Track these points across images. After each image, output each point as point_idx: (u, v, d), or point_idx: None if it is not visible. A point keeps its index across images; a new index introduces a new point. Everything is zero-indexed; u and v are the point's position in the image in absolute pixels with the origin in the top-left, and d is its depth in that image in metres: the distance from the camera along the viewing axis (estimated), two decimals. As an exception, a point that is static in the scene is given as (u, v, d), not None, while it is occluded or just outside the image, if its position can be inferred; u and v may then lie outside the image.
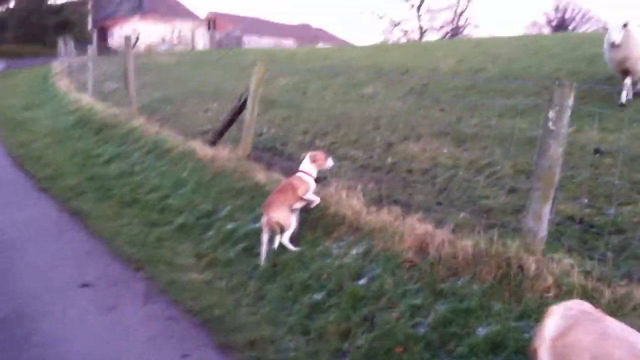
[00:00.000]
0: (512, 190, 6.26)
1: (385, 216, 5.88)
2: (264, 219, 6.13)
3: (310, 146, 9.50)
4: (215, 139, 9.71)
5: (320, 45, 56.97)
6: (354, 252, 5.64)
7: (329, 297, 5.12)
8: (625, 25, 9.58)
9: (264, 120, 10.87)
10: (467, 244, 4.88)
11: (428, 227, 5.43)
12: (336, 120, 10.30)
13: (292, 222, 6.09)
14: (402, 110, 10.62)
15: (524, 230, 4.74)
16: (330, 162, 6.40)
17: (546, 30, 59.99)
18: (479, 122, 8.74)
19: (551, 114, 4.60)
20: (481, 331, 4.14)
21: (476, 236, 5.03)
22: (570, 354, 2.85)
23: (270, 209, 6.10)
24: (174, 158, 9.83)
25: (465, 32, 66.34)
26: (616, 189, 5.66)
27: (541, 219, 4.65)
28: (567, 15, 62.46)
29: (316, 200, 6.29)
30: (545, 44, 19.33)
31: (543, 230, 4.68)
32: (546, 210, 4.65)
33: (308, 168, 6.31)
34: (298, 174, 6.34)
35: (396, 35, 67.52)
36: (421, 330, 4.35)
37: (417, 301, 4.65)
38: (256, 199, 7.45)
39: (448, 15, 69.95)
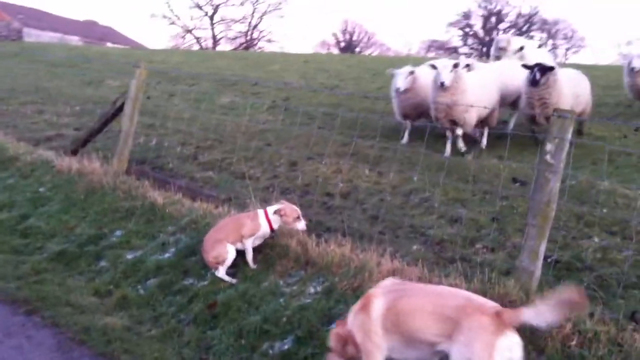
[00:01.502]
0: (454, 220, 6.00)
1: (335, 248, 5.28)
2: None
3: (194, 160, 8.55)
4: (78, 147, 8.33)
5: (109, 45, 54.04)
6: (311, 290, 4.97)
7: (300, 346, 4.40)
8: (455, 66, 8.57)
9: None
10: (455, 284, 4.47)
11: (395, 262, 4.94)
12: (213, 133, 9.41)
13: (228, 254, 5.26)
14: (277, 126, 10.05)
15: (518, 269, 4.46)
16: (301, 225, 5.33)
17: (335, 50, 63.18)
18: (374, 142, 8.45)
19: (549, 146, 4.38)
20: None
21: (456, 274, 4.69)
22: (407, 315, 3.28)
23: (204, 251, 5.39)
24: (22, 170, 8.29)
25: (259, 45, 67.60)
26: (562, 222, 5.65)
27: (538, 257, 4.41)
28: (354, 38, 66.37)
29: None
30: (375, 65, 19.91)
31: (539, 268, 4.43)
32: (542, 247, 4.42)
33: (271, 215, 5.36)
34: (257, 210, 5.45)
35: (188, 42, 66.92)
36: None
37: (414, 350, 4.13)
38: (155, 222, 6.44)
39: (242, 27, 70.72)
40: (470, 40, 62.61)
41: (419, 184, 6.82)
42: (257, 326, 4.67)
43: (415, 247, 5.52)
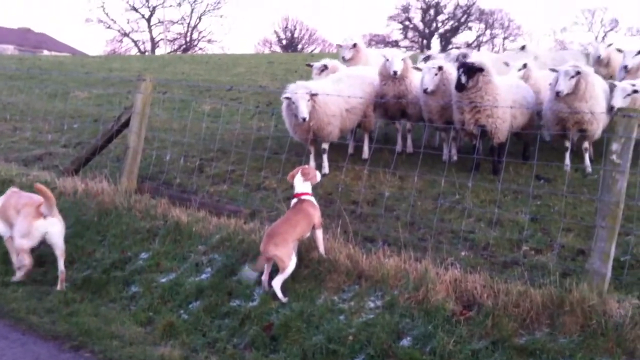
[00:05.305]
0: (494, 222, 5.96)
1: (384, 259, 5.18)
2: (262, 255, 5.12)
3: (201, 173, 8.30)
4: (79, 167, 7.98)
5: (46, 52, 52.52)
6: (370, 305, 4.85)
7: (376, 366, 4.28)
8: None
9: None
10: (528, 290, 4.43)
11: (454, 271, 4.87)
12: (211, 143, 9.16)
13: (291, 264, 5.08)
14: (271, 132, 9.87)
15: (589, 272, 4.44)
16: (318, 176, 5.62)
17: (277, 48, 62.85)
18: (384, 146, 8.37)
19: (615, 146, 4.38)
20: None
21: (521, 280, 4.65)
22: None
23: (271, 242, 5.06)
24: (19, 192, 7.85)
25: (200, 45, 66.92)
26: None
27: (609, 258, 4.40)
28: (295, 35, 66.00)
29: (320, 245, 5.41)
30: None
31: (609, 270, 4.42)
32: (613, 249, 4.41)
33: (306, 188, 5.42)
34: (304, 197, 5.38)
35: (125, 46, 65.75)
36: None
37: (501, 362, 4.07)
38: (182, 242, 6.20)
39: (181, 29, 70.04)
40: (410, 34, 63.40)
41: (444, 186, 6.76)
42: (322, 346, 4.53)
43: (463, 253, 5.46)
